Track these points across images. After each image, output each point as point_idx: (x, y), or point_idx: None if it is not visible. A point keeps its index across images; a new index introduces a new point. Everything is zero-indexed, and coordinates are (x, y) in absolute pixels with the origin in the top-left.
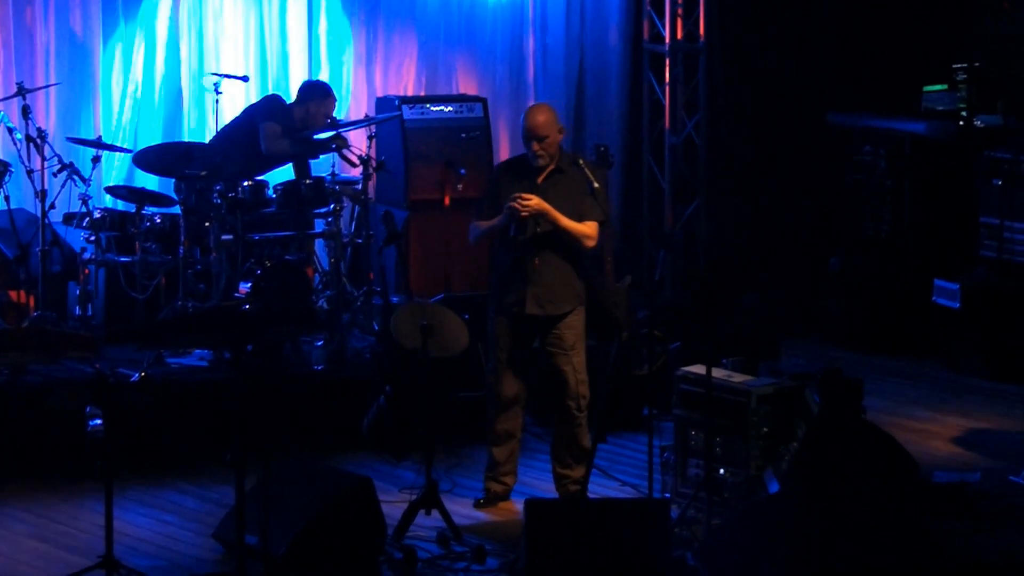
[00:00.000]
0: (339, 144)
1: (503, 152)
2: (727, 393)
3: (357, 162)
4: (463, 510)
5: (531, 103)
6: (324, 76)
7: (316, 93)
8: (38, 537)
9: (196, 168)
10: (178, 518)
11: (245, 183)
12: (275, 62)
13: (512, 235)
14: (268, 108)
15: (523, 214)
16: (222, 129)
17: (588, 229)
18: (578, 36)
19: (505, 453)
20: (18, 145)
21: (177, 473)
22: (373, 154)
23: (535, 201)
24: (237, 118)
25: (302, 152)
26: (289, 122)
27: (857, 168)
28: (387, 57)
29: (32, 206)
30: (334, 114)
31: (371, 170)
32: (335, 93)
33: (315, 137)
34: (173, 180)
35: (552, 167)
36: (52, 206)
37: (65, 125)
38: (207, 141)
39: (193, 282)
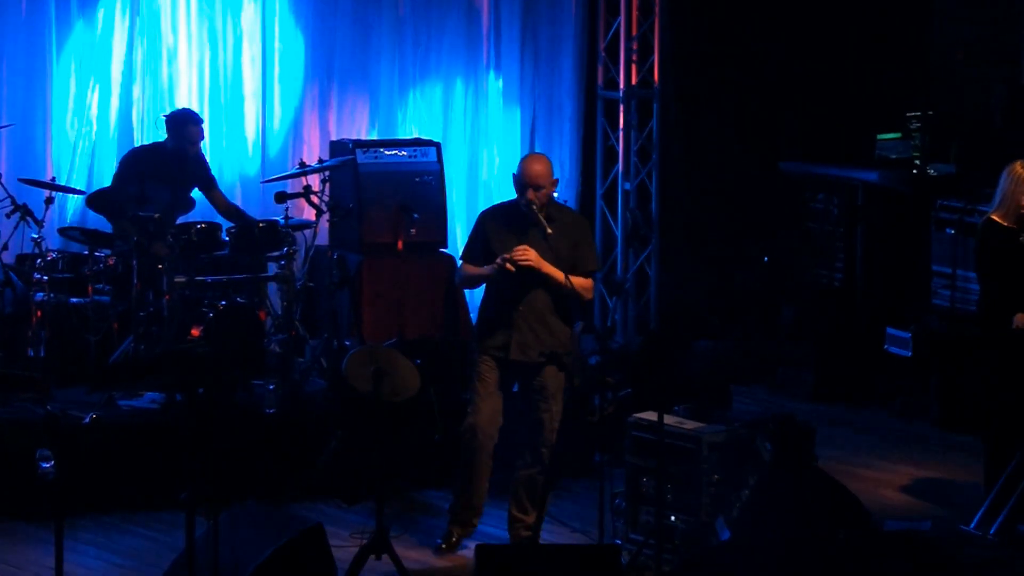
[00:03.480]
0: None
1: (456, 197)
2: (678, 440)
3: (324, 209)
4: (413, 554)
5: (484, 148)
6: (278, 119)
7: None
8: None
9: (150, 210)
10: (128, 561)
11: (199, 226)
12: (228, 104)
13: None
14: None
15: (521, 264)
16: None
17: (586, 282)
18: (532, 81)
19: (480, 495)
20: None
21: (128, 516)
22: (326, 197)
23: (533, 256)
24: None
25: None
26: (155, 166)
27: (810, 216)
28: (341, 101)
29: None
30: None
31: (337, 217)
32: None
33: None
34: (123, 222)
35: (543, 215)
36: (5, 247)
37: (17, 166)
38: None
39: (145, 324)
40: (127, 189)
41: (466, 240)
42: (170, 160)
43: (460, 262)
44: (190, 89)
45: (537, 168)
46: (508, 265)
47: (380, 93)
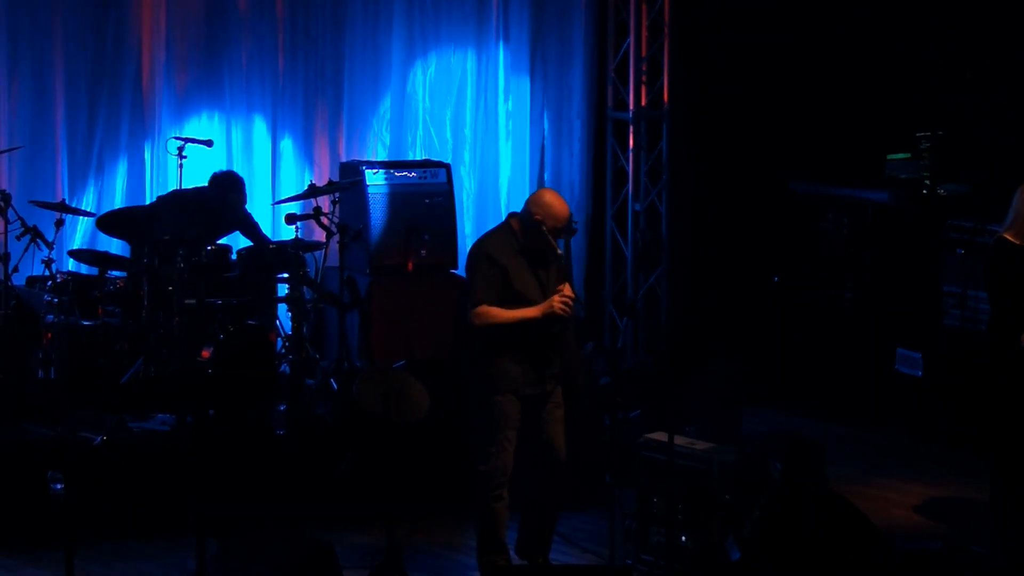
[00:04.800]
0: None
1: (466, 218)
2: (689, 460)
3: (334, 230)
4: None
5: (493, 170)
6: (288, 141)
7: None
8: None
9: (160, 232)
10: None
11: (208, 247)
12: (238, 125)
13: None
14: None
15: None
16: (179, 192)
17: None
18: (542, 102)
19: (504, 528)
20: None
21: (139, 537)
22: (336, 219)
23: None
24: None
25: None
26: (196, 211)
27: (820, 236)
28: (351, 123)
29: None
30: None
31: (347, 239)
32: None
33: None
34: (134, 245)
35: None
36: (15, 269)
37: (28, 188)
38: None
39: (156, 346)
40: (142, 211)
41: (475, 282)
42: (212, 209)
43: (473, 306)
44: (200, 112)
45: (567, 211)
46: (566, 308)
47: (391, 114)
